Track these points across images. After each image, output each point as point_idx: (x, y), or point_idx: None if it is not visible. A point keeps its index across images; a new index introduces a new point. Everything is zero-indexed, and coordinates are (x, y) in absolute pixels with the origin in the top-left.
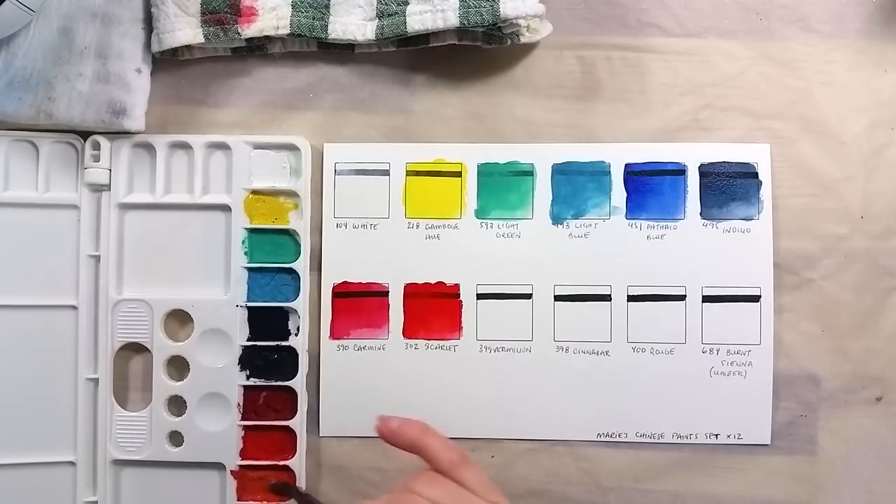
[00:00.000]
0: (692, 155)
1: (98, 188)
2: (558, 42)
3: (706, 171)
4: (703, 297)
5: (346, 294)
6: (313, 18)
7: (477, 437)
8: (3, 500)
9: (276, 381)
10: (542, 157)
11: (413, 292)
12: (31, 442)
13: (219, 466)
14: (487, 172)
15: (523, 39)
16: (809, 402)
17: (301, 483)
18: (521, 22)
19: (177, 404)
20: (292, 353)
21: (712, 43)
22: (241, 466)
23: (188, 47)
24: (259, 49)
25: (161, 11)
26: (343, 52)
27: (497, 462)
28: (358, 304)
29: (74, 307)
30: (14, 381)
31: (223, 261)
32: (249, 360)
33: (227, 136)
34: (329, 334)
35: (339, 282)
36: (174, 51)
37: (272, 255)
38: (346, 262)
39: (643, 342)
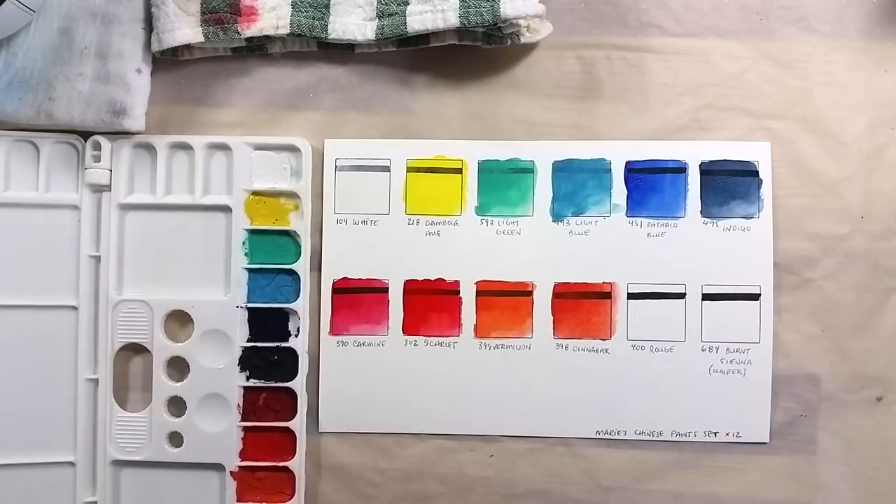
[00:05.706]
0: (693, 153)
1: (99, 188)
2: (558, 42)
3: (707, 169)
4: (703, 295)
5: (346, 290)
6: (313, 18)
7: (476, 434)
8: (3, 500)
9: (275, 382)
10: (543, 154)
11: (413, 289)
12: (30, 442)
13: (218, 467)
14: (488, 169)
15: (523, 39)
16: (809, 402)
17: (301, 483)
18: (522, 22)
19: (177, 405)
20: (292, 355)
21: (712, 43)
22: (240, 467)
23: (188, 47)
24: (259, 49)
25: (161, 11)
26: (343, 52)
27: (496, 461)
28: (358, 301)
29: (74, 307)
30: (14, 381)
31: (223, 262)
32: (249, 361)
33: (227, 137)
34: (329, 330)
35: (339, 278)
36: (174, 51)
37: (272, 256)
38: (346, 258)
39: (643, 340)
